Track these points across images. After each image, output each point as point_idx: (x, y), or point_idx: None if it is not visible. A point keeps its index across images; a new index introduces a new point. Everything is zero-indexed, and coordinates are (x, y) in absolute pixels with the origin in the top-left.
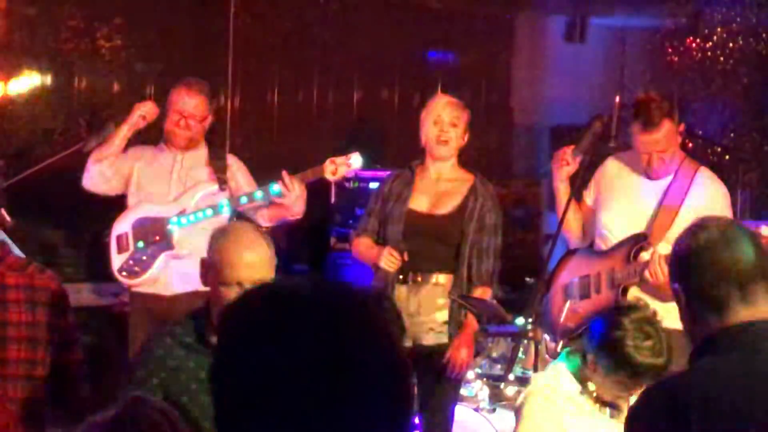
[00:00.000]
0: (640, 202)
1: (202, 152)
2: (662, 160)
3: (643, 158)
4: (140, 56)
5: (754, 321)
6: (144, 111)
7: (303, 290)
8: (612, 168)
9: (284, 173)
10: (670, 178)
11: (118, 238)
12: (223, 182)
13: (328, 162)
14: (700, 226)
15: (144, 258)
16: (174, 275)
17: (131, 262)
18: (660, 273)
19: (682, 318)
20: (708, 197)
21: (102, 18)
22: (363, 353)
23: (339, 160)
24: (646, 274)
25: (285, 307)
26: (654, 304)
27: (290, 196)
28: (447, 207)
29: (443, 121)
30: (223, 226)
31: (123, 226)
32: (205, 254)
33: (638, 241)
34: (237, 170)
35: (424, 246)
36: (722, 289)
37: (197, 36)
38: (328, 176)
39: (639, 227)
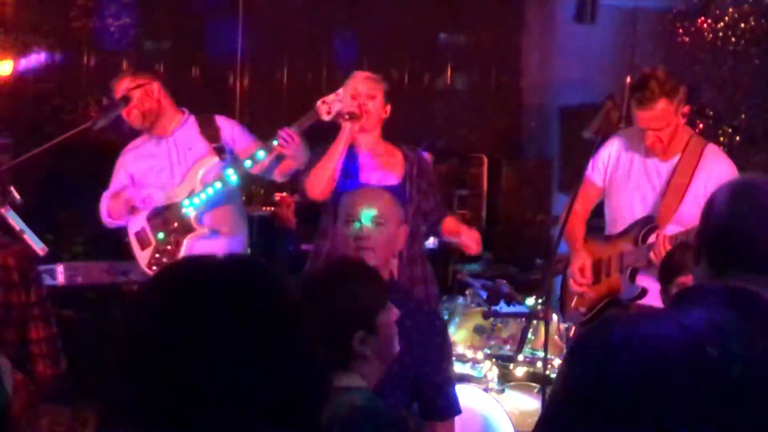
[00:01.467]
0: (648, 183)
1: (190, 125)
2: (658, 138)
3: (641, 134)
4: (148, 35)
5: (732, 286)
6: None
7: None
8: (619, 148)
9: (280, 131)
10: (677, 157)
11: (137, 234)
12: (221, 151)
13: (319, 103)
14: (744, 185)
15: (169, 247)
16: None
17: (157, 255)
18: (663, 252)
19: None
20: (715, 176)
21: None
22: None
23: (329, 98)
24: (652, 255)
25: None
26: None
27: (291, 147)
28: (391, 179)
29: (360, 94)
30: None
31: (138, 222)
32: (225, 228)
33: (646, 224)
34: (232, 130)
35: None
36: (729, 255)
37: (206, 15)
38: (324, 117)
39: (647, 209)
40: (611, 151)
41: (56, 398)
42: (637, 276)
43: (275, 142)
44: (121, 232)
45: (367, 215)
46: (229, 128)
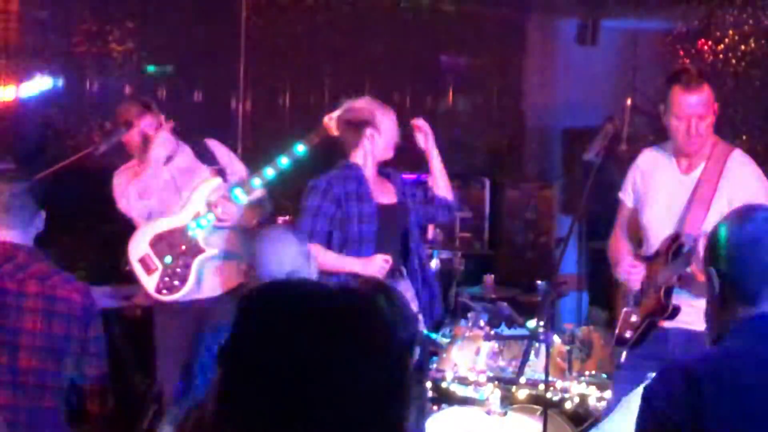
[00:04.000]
0: (675, 197)
1: (186, 153)
2: (699, 131)
3: (680, 127)
4: (152, 59)
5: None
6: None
7: (318, 294)
8: (646, 164)
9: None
10: (701, 168)
11: (142, 261)
12: (223, 173)
13: (326, 119)
14: (745, 215)
15: (178, 270)
16: (209, 278)
17: (166, 279)
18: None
19: (710, 301)
20: (740, 184)
21: (114, 21)
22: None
23: (336, 113)
24: (692, 268)
25: (295, 307)
26: (698, 303)
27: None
28: (392, 197)
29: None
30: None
31: (141, 248)
32: (233, 250)
33: (674, 241)
34: (225, 156)
35: (393, 239)
36: (757, 285)
37: (209, 39)
38: (333, 133)
39: (674, 226)
40: (638, 169)
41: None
42: (672, 295)
43: (284, 163)
44: (121, 262)
45: (278, 273)
46: (224, 153)
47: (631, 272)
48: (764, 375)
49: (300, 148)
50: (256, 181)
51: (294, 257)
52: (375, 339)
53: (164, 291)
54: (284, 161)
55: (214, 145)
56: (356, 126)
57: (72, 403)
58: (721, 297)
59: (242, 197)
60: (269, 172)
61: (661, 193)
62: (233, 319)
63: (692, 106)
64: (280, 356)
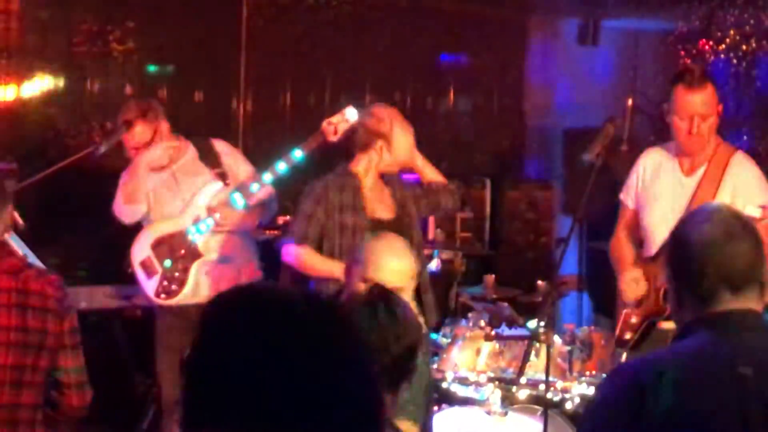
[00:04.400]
0: (676, 199)
1: (190, 153)
2: (700, 130)
3: (682, 127)
4: (152, 59)
5: (734, 309)
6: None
7: (292, 299)
8: (649, 165)
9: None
10: (702, 170)
11: (143, 264)
12: (224, 177)
13: (325, 124)
14: (705, 216)
15: (177, 274)
16: (208, 282)
17: (165, 282)
18: None
19: (669, 299)
20: (741, 188)
21: (114, 21)
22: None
23: (335, 118)
24: None
25: (271, 313)
26: None
27: None
28: (388, 212)
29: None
30: (381, 234)
31: (142, 251)
32: (233, 254)
33: None
34: (230, 157)
35: None
36: (713, 285)
37: (210, 39)
38: (331, 138)
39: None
40: (639, 170)
41: (28, 427)
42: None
43: (282, 169)
44: (124, 263)
45: (388, 281)
46: (229, 154)
47: (629, 285)
48: (708, 373)
49: (298, 154)
50: (255, 186)
51: (407, 273)
52: (340, 348)
53: (162, 295)
54: (282, 166)
55: (220, 146)
56: (370, 133)
57: (51, 397)
58: (677, 296)
59: (241, 202)
60: (267, 176)
61: (663, 194)
62: (197, 328)
63: (695, 106)
64: (242, 365)
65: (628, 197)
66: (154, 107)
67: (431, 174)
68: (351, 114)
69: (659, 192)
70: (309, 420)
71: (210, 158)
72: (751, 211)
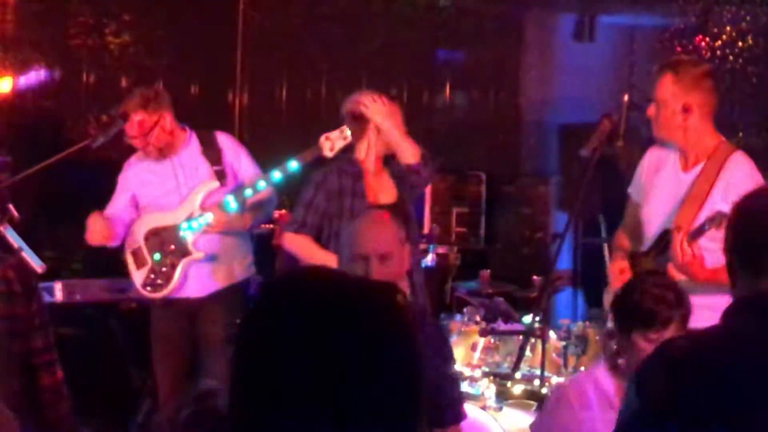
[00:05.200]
0: (673, 195)
1: (193, 144)
2: (657, 118)
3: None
4: (148, 52)
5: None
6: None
7: (328, 292)
8: (652, 160)
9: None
10: (700, 166)
11: (134, 253)
12: (222, 176)
13: (323, 139)
14: (755, 194)
15: (164, 269)
16: (195, 279)
17: (152, 276)
18: (680, 253)
19: (729, 282)
20: (733, 184)
21: (110, 14)
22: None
23: (333, 134)
24: (671, 254)
25: (308, 309)
26: None
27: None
28: (390, 197)
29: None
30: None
31: (136, 240)
32: (222, 254)
33: (663, 239)
34: (236, 155)
35: None
36: (762, 255)
37: (206, 32)
38: (327, 153)
39: (668, 222)
40: (644, 163)
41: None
42: None
43: (276, 178)
44: (119, 249)
45: (374, 254)
46: (232, 151)
47: (614, 275)
48: (743, 355)
49: (293, 164)
50: (248, 191)
51: (389, 240)
52: (397, 331)
53: (148, 288)
54: (277, 175)
55: (224, 141)
56: (360, 118)
57: (23, 380)
58: (731, 274)
59: (233, 205)
60: (261, 184)
61: (661, 189)
62: (251, 306)
63: (653, 90)
64: (297, 346)
65: (633, 190)
66: (159, 97)
67: (404, 155)
68: (348, 132)
69: (658, 187)
70: (354, 407)
71: (212, 154)
72: (720, 206)
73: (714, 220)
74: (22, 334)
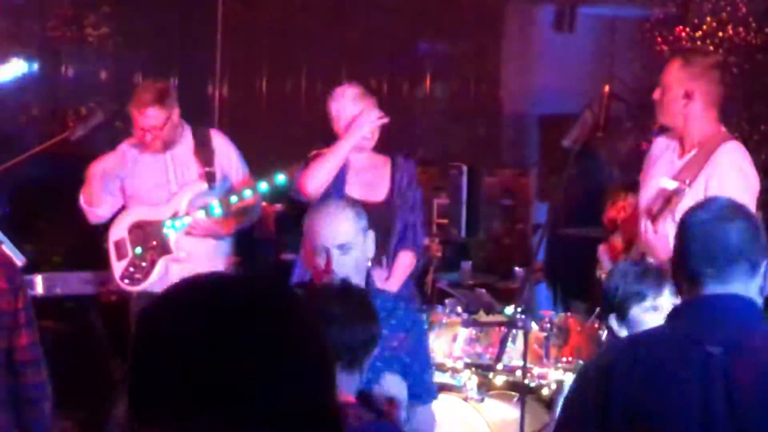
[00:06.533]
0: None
1: (188, 141)
2: (657, 100)
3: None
4: (128, 44)
5: (716, 294)
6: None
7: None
8: (655, 149)
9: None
10: (692, 154)
11: (116, 244)
12: (211, 178)
13: (313, 154)
14: (702, 204)
15: (143, 264)
16: (175, 277)
17: (131, 269)
18: (643, 231)
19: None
20: (717, 175)
21: (90, 6)
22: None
23: (324, 151)
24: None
25: (203, 310)
26: None
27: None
28: (376, 194)
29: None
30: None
31: (120, 231)
32: (203, 255)
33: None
34: (228, 157)
35: None
36: (699, 266)
37: (185, 24)
38: None
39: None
40: (651, 151)
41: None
42: None
43: (264, 188)
44: (101, 239)
45: (333, 244)
46: (224, 154)
47: (602, 256)
48: (675, 352)
49: (281, 178)
50: (233, 198)
51: (348, 232)
52: (290, 326)
53: (126, 280)
54: (263, 186)
55: (218, 141)
56: (335, 117)
57: (7, 381)
58: (676, 283)
59: (218, 210)
60: (247, 192)
61: (656, 175)
62: (137, 321)
63: (662, 74)
64: (192, 345)
65: (641, 177)
66: (171, 93)
67: None
68: None
69: (654, 173)
70: (250, 406)
71: (204, 154)
72: (665, 183)
73: (669, 199)
74: (6, 329)
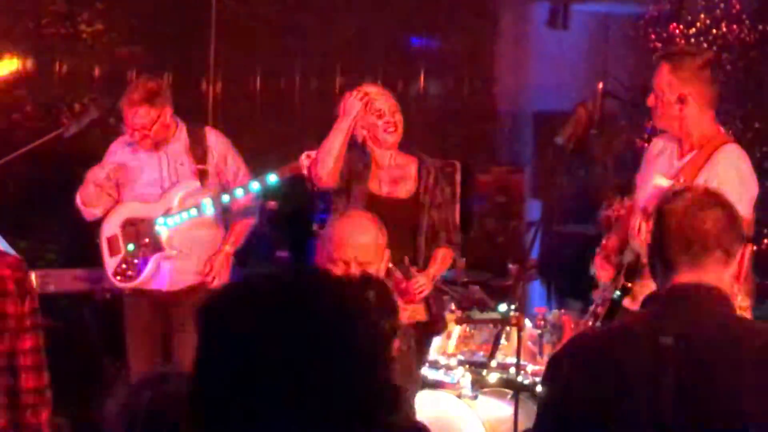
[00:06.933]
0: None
1: (182, 139)
2: (651, 107)
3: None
4: (121, 41)
5: (685, 283)
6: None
7: (281, 285)
8: (653, 150)
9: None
10: (691, 155)
11: (109, 240)
12: (204, 176)
13: (303, 157)
14: (678, 192)
15: (135, 261)
16: (167, 274)
17: (124, 265)
18: (636, 231)
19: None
20: (715, 177)
21: (83, 3)
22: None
23: (315, 153)
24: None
25: (263, 302)
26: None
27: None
28: (401, 192)
29: (386, 111)
30: (345, 210)
31: (112, 227)
32: (195, 253)
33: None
34: (219, 154)
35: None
36: (674, 254)
37: (179, 21)
38: (305, 171)
39: None
40: (649, 151)
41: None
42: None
43: (255, 188)
44: (94, 235)
45: (353, 261)
46: (219, 151)
47: (599, 267)
48: (629, 343)
49: (272, 178)
50: (225, 197)
51: (368, 249)
52: (347, 328)
53: (118, 277)
54: (255, 185)
55: (212, 139)
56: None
57: (8, 383)
58: (651, 269)
59: (210, 209)
60: (239, 192)
61: (654, 176)
62: (200, 326)
63: (653, 80)
64: (252, 355)
65: (638, 177)
66: (164, 91)
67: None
68: None
69: (652, 174)
70: (315, 406)
71: (198, 152)
72: (660, 181)
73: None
74: (10, 332)
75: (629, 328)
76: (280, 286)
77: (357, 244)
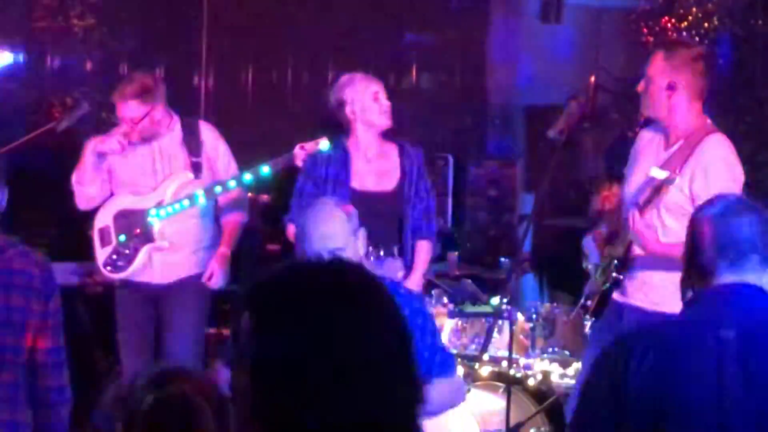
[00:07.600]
0: (647, 173)
1: (176, 131)
2: (641, 92)
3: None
4: (113, 35)
5: (729, 283)
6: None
7: (324, 273)
8: (640, 141)
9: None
10: (678, 146)
11: (101, 231)
12: (198, 168)
13: (297, 148)
14: (711, 200)
15: (127, 252)
16: (158, 266)
17: (114, 256)
18: (631, 221)
19: (682, 280)
20: (702, 167)
21: None
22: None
23: (308, 145)
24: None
25: (309, 288)
26: (650, 280)
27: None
28: (386, 184)
29: (381, 94)
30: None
31: (105, 218)
32: (186, 245)
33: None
34: (212, 148)
35: (374, 225)
36: (712, 258)
37: (171, 15)
38: (299, 162)
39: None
40: (637, 143)
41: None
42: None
43: (248, 179)
44: (85, 229)
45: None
46: (212, 145)
47: (588, 246)
48: (691, 337)
49: (265, 170)
50: (218, 189)
51: (338, 236)
52: (384, 308)
53: (108, 267)
54: (248, 177)
55: (206, 133)
56: (336, 109)
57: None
58: (685, 274)
59: (203, 201)
60: (232, 183)
61: (640, 167)
62: (253, 325)
63: (646, 67)
64: (304, 334)
65: (627, 170)
66: (157, 88)
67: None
68: (324, 145)
69: (639, 166)
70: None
71: (192, 145)
72: (656, 172)
73: (658, 189)
74: (32, 329)
75: (686, 323)
76: (331, 282)
77: (323, 233)
